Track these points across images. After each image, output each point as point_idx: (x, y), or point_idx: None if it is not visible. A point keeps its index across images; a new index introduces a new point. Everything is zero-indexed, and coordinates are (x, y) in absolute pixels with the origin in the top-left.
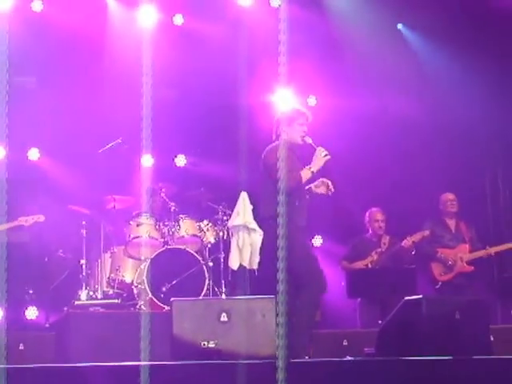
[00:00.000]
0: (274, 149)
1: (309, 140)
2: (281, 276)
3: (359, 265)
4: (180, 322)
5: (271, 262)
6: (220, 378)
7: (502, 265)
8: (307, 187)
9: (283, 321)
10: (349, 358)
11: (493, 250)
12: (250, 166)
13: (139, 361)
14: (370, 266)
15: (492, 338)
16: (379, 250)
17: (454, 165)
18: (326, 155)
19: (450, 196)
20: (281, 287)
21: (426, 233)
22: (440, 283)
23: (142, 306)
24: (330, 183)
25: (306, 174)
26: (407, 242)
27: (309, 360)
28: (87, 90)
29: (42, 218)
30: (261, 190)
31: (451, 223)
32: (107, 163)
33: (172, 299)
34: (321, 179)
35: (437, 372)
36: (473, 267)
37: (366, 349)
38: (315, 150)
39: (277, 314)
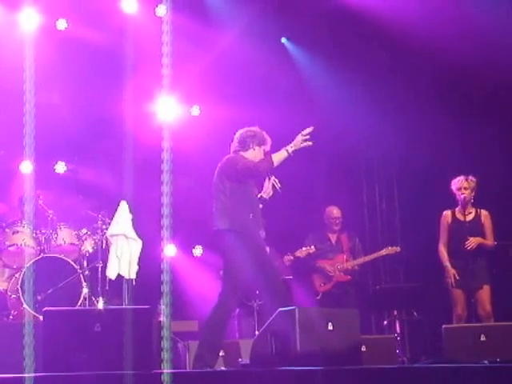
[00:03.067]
0: (233, 156)
1: (275, 182)
2: (165, 289)
3: None
4: (52, 332)
5: (229, 275)
6: None
7: (375, 277)
8: (258, 196)
9: (167, 325)
10: (222, 368)
11: (365, 259)
12: (130, 174)
13: (12, 372)
14: None
15: (364, 348)
16: None
17: (334, 177)
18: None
19: (335, 212)
20: (165, 300)
21: (312, 249)
22: (320, 294)
23: (17, 316)
24: (274, 180)
25: (280, 154)
26: (288, 260)
27: (185, 371)
28: None
29: None
30: (215, 203)
31: (332, 236)
32: None
33: (44, 309)
34: (266, 181)
35: (309, 382)
36: (349, 276)
37: (240, 359)
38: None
39: (155, 324)
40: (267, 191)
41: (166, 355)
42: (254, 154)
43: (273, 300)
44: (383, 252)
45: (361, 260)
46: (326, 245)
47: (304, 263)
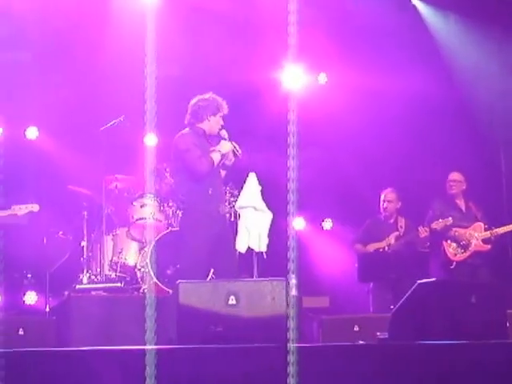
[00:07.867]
0: (185, 135)
1: (225, 134)
2: (291, 255)
3: (375, 247)
4: (186, 306)
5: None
6: (228, 362)
7: None
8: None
9: (294, 303)
10: (361, 342)
11: (509, 227)
12: (257, 147)
13: (142, 345)
14: (386, 249)
15: (508, 324)
16: (397, 233)
17: (467, 142)
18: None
19: (453, 176)
20: (292, 267)
21: (450, 221)
22: (454, 263)
23: (146, 290)
24: (234, 146)
25: (215, 156)
26: (424, 232)
27: (320, 344)
28: (88, 66)
29: (36, 208)
30: (175, 176)
31: (460, 203)
32: (109, 142)
33: (178, 281)
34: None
35: (451, 357)
36: (489, 246)
37: (378, 333)
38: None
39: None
40: (229, 157)
41: (293, 326)
42: (210, 125)
43: None
44: None
45: (504, 228)
46: (456, 213)
47: (439, 230)
